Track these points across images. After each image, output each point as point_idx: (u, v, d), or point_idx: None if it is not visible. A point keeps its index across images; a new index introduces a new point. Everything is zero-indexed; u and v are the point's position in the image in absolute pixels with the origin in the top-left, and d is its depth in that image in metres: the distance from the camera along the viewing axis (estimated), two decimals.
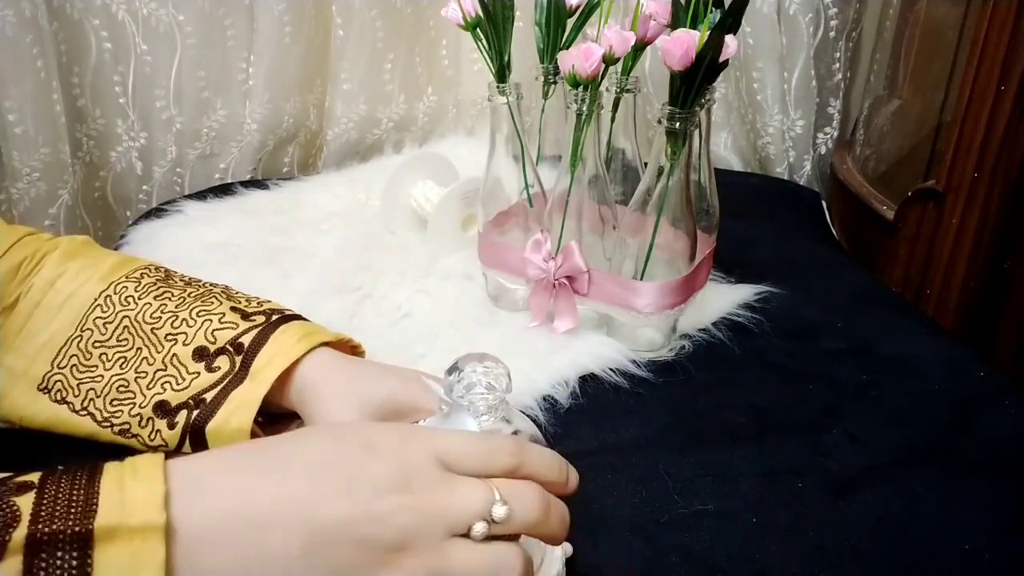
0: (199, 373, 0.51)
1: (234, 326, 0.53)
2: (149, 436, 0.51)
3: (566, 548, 0.47)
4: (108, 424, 0.52)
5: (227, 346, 0.52)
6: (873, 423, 0.59)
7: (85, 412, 0.52)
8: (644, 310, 0.64)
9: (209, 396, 0.51)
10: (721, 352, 0.68)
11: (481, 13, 0.63)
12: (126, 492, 0.29)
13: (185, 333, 0.52)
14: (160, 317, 0.53)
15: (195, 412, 0.50)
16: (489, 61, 0.66)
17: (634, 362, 0.66)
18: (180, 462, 0.31)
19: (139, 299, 0.54)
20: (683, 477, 0.54)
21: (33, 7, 0.86)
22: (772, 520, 0.51)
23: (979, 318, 0.92)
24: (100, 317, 0.53)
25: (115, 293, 0.54)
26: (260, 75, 1.01)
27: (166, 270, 0.58)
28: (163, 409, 0.51)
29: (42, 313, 0.53)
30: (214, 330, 0.53)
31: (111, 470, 0.30)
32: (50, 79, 0.89)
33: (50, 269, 0.54)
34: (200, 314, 0.53)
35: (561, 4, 0.66)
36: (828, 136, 1.15)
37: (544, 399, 0.62)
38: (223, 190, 0.97)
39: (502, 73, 0.66)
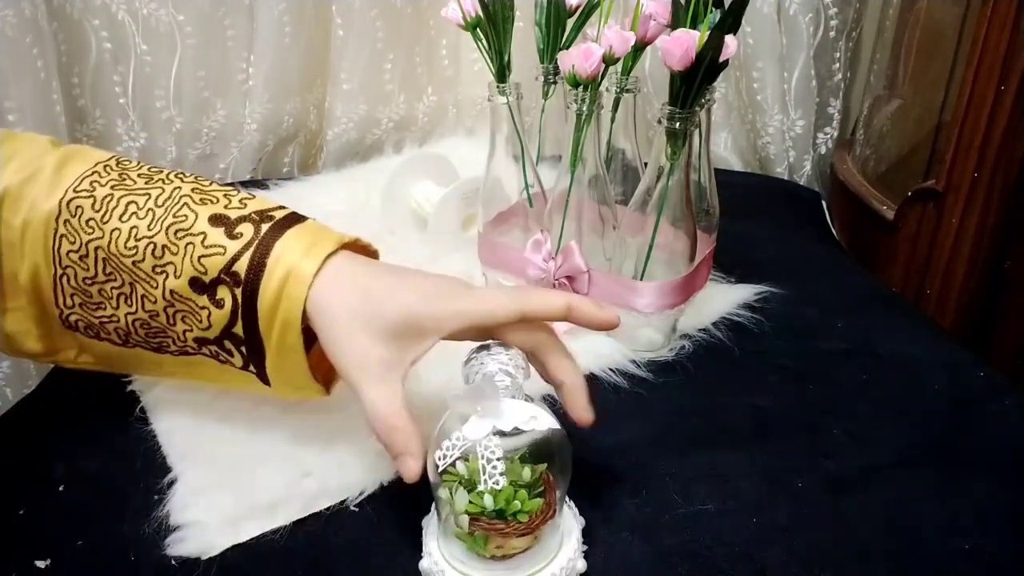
0: (209, 309, 0.47)
1: (221, 251, 0.47)
2: (218, 357, 0.49)
3: (579, 566, 0.47)
4: (164, 351, 0.50)
5: (221, 276, 0.47)
6: (873, 423, 0.59)
7: (134, 344, 0.50)
8: (644, 310, 0.64)
9: (237, 328, 0.47)
10: (721, 352, 0.68)
11: (481, 13, 0.63)
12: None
13: (172, 263, 0.47)
14: (136, 247, 0.48)
15: (242, 346, 0.48)
16: (489, 61, 0.66)
17: (634, 362, 0.66)
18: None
19: (102, 222, 0.48)
20: (683, 477, 0.54)
21: (33, 7, 0.86)
22: (772, 520, 0.51)
23: (979, 318, 0.92)
24: (71, 250, 0.48)
25: (72, 216, 0.48)
26: (260, 75, 1.01)
27: (118, 166, 0.51)
28: (205, 342, 0.48)
29: (9, 251, 0.48)
30: (200, 257, 0.47)
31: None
32: (50, 79, 0.89)
33: None
34: (179, 235, 0.48)
35: (561, 4, 0.66)
36: (828, 136, 1.15)
37: (544, 399, 0.62)
38: None
39: (502, 73, 0.66)
